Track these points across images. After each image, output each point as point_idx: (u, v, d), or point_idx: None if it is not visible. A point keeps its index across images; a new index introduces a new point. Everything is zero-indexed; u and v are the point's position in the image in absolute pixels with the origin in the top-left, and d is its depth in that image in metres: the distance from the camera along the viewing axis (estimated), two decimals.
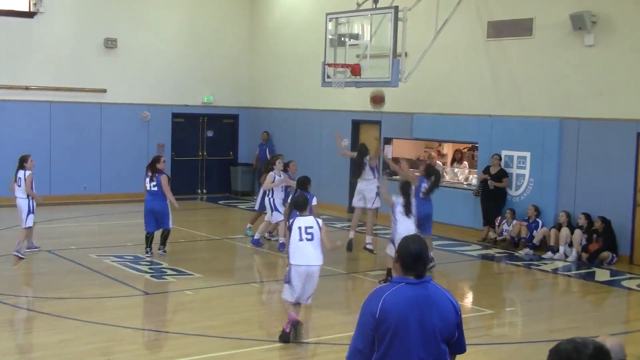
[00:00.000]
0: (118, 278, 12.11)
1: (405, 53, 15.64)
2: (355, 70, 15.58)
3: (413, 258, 4.45)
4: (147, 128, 21.71)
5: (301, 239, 9.05)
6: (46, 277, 12.27)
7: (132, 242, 14.68)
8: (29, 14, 19.95)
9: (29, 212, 13.25)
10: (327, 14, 16.64)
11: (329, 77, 16.29)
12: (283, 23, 22.17)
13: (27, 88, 19.93)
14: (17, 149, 19.30)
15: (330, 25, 16.51)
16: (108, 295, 11.13)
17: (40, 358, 8.69)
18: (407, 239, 4.58)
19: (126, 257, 13.61)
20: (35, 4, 19.90)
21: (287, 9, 22.05)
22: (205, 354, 8.76)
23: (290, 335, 9.07)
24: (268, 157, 22.02)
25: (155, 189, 13.50)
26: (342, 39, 16.41)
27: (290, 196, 11.63)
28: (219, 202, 21.59)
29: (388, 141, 18.94)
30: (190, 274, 12.60)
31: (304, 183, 11.81)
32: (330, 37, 16.52)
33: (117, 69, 21.12)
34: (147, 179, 13.62)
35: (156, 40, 21.75)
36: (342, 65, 15.87)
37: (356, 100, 19.17)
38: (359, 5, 16.49)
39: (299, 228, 9.07)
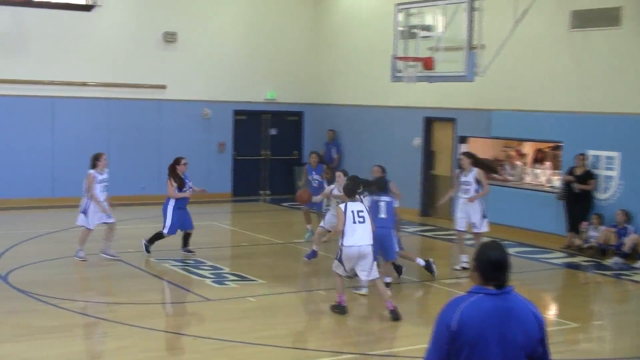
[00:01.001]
0: (178, 283, 12.25)
1: (482, 45, 15.44)
2: (428, 64, 15.47)
3: (493, 266, 4.36)
4: (208, 126, 21.94)
5: (354, 222, 10.27)
6: (103, 281, 12.47)
7: (193, 245, 14.81)
8: (86, 8, 20.35)
9: (80, 211, 13.54)
10: (397, 5, 16.57)
11: (399, 71, 16.21)
12: (350, 14, 22.15)
13: (84, 84, 20.34)
14: (74, 147, 19.79)
15: (400, 17, 16.43)
16: (167, 301, 11.25)
17: None
18: (485, 246, 4.50)
19: (186, 261, 13.76)
20: None
21: (354, 0, 22.05)
22: None
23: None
24: (334, 156, 22.09)
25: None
26: (413, 30, 16.31)
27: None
28: (283, 204, 21.68)
29: (463, 140, 18.75)
30: (252, 280, 12.66)
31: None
32: (400, 29, 16.44)
33: (177, 64, 21.40)
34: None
35: (217, 34, 21.97)
36: (414, 59, 15.78)
37: (428, 96, 19.05)
38: None
39: (352, 212, 10.30)
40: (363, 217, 10.38)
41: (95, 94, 20.49)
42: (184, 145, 21.37)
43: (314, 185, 15.86)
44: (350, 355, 9.05)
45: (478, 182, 13.52)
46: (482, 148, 18.87)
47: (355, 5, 21.98)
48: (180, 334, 9.73)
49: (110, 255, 13.55)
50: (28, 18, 19.69)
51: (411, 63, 15.83)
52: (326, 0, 23.02)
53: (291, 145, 23.45)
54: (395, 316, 10.33)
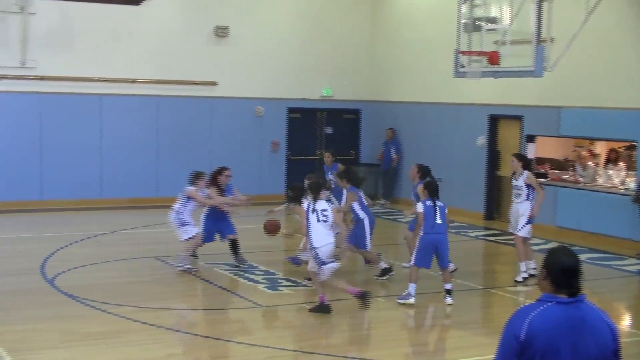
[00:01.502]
0: (229, 288, 12.34)
1: (551, 38, 15.27)
2: (493, 58, 15.34)
3: (565, 273, 4.31)
4: (261, 124, 22.06)
5: (318, 221, 10.76)
6: (152, 285, 12.61)
7: (245, 249, 14.90)
8: (135, 2, 20.59)
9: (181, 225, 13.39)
10: None
11: (462, 66, 16.12)
12: (411, 6, 22.08)
13: (133, 81, 20.61)
14: (123, 146, 20.07)
15: (464, 8, 16.32)
16: (218, 307, 11.34)
17: None
18: (555, 251, 4.44)
19: (239, 265, 13.82)
20: None
21: None
22: None
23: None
24: (393, 156, 22.03)
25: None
26: (478, 23, 16.19)
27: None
28: None
29: (531, 139, 18.55)
30: (307, 286, 12.68)
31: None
32: (464, 21, 16.33)
33: (229, 60, 21.56)
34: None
35: (270, 28, 22.08)
36: (478, 53, 15.67)
37: (494, 93, 18.90)
38: None
39: (316, 211, 10.79)
40: (326, 216, 10.81)
41: (144, 91, 20.75)
42: (235, 145, 21.58)
43: (332, 186, 15.81)
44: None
45: (528, 186, 13.16)
46: (550, 147, 18.69)
47: None
48: (232, 341, 9.79)
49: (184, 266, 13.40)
50: (76, 13, 20.02)
51: (475, 57, 15.72)
52: None
53: (348, 144, 23.44)
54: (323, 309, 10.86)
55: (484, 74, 15.70)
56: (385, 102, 22.98)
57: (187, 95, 21.19)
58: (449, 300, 11.57)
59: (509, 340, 4.31)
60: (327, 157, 16.15)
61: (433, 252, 11.51)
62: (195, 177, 13.49)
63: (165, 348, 9.69)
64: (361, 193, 13.33)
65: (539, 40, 14.82)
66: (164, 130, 20.93)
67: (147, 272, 13.49)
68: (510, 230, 13.66)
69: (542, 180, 18.19)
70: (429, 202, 11.72)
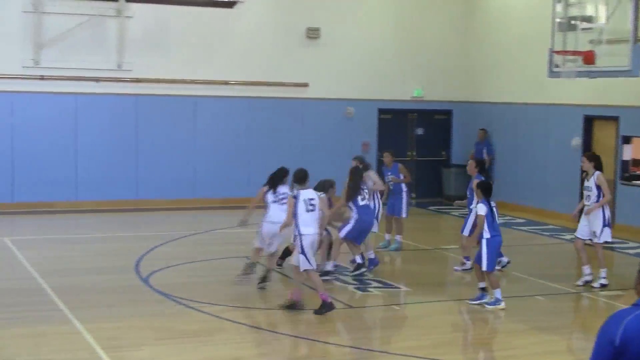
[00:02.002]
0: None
1: None
2: (589, 58, 15.06)
3: None
4: (352, 125, 22.07)
5: (307, 210, 10.91)
6: (242, 285, 12.72)
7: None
8: (229, 4, 20.86)
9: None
10: None
11: (557, 66, 15.87)
12: (503, 6, 21.80)
13: (225, 83, 20.87)
14: (215, 147, 20.32)
15: (559, 7, 16.08)
16: (307, 307, 11.37)
17: None
18: None
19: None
20: None
21: None
22: None
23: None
24: (485, 157, 21.77)
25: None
26: (573, 22, 15.92)
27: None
28: (430, 207, 21.54)
29: (627, 140, 18.09)
30: (397, 287, 12.64)
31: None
32: (558, 20, 16.08)
33: (320, 61, 21.64)
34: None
35: (361, 29, 22.08)
36: (573, 53, 15.40)
37: (589, 93, 18.50)
38: None
39: (304, 200, 10.94)
40: (314, 205, 10.97)
41: (236, 93, 20.98)
42: (326, 145, 21.64)
43: (390, 187, 15.68)
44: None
45: (598, 187, 12.62)
46: None
47: None
48: (322, 342, 9.81)
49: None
50: (171, 17, 20.40)
51: (570, 57, 15.46)
52: None
53: (439, 145, 23.27)
54: (327, 308, 10.69)
55: (579, 74, 15.43)
56: (477, 103, 22.73)
57: (278, 96, 21.35)
58: (502, 305, 11.27)
59: (604, 346, 4.19)
60: (387, 157, 15.98)
61: (495, 253, 11.39)
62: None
63: (256, 347, 9.79)
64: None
65: (636, 39, 14.47)
66: (256, 132, 21.12)
67: (236, 272, 13.61)
68: (579, 236, 12.91)
69: (639, 182, 17.76)
70: (490, 203, 11.53)
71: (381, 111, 22.53)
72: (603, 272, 12.66)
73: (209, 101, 20.74)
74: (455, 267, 13.91)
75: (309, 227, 10.88)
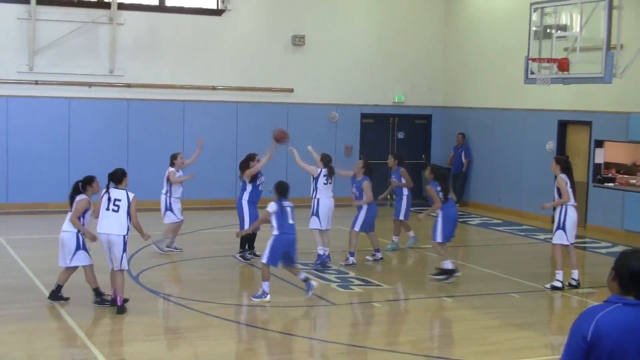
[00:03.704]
0: (303, 286, 12.36)
1: (621, 45, 14.99)
2: (563, 65, 15.13)
3: (634, 277, 4.21)
4: (335, 129, 22.10)
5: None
6: (231, 283, 12.73)
7: (324, 246, 14.94)
8: (217, 12, 20.89)
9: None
10: (532, 4, 16.27)
11: (532, 73, 15.93)
12: (481, 14, 21.88)
13: (214, 88, 20.86)
14: (206, 149, 20.27)
15: (534, 16, 16.14)
16: (293, 304, 11.39)
17: None
18: (626, 255, 4.34)
19: (311, 264, 13.86)
20: (223, 2, 20.81)
21: None
22: None
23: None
24: (463, 161, 21.85)
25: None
26: (548, 30, 15.99)
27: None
28: (411, 208, 21.54)
29: (599, 144, 18.20)
30: (378, 285, 12.67)
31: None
32: (534, 29, 16.15)
33: (305, 67, 21.68)
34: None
35: (345, 36, 22.12)
36: (548, 60, 15.46)
37: (563, 99, 18.62)
38: None
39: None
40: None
41: (224, 97, 20.99)
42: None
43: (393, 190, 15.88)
44: None
45: (558, 190, 12.51)
46: (619, 152, 18.29)
47: (488, 5, 21.68)
48: (307, 337, 9.82)
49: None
50: (161, 24, 20.38)
51: (546, 64, 15.51)
52: (458, 0, 22.79)
53: (419, 149, 23.32)
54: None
55: (554, 81, 15.48)
56: (455, 108, 22.80)
57: (265, 101, 21.36)
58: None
59: (576, 341, 4.23)
60: (390, 161, 16.10)
61: None
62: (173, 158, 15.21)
63: (243, 343, 9.79)
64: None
65: (609, 48, 14.55)
66: (243, 135, 21.10)
67: (226, 270, 13.62)
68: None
69: (610, 184, 17.86)
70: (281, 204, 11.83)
71: (364, 115, 22.57)
72: (559, 275, 12.49)
73: (197, 106, 20.72)
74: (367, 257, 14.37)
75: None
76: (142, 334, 9.83)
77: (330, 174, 14.02)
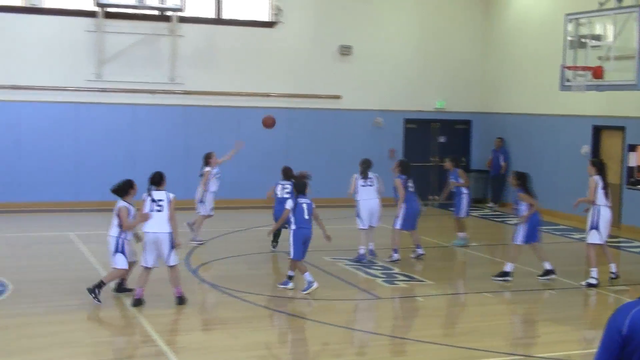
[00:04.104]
0: (351, 281, 12.40)
1: None
2: (597, 73, 14.94)
3: None
4: (380, 133, 22.08)
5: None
6: (283, 277, 12.78)
7: (365, 246, 14.94)
8: (270, 24, 20.99)
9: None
10: (567, 15, 16.09)
11: (568, 80, 15.76)
12: (519, 24, 21.68)
13: (267, 95, 20.97)
14: (258, 154, 20.40)
15: (569, 27, 15.96)
16: (341, 298, 11.40)
17: (277, 355, 9.09)
18: None
19: (359, 261, 13.85)
20: (275, 15, 20.92)
21: (523, 10, 21.55)
22: None
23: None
24: (502, 163, 21.67)
25: (287, 196, 13.68)
26: (583, 40, 15.80)
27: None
28: (451, 208, 21.40)
29: (633, 148, 17.91)
30: (421, 281, 12.63)
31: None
32: (569, 38, 15.97)
33: (352, 75, 21.69)
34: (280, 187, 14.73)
35: (389, 47, 22.09)
36: (583, 68, 15.28)
37: (597, 105, 18.37)
38: (601, 4, 15.77)
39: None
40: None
41: (277, 104, 21.07)
42: (356, 151, 21.61)
43: (452, 190, 15.75)
44: (516, 357, 8.85)
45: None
46: None
47: (525, 15, 21.48)
48: (353, 329, 9.84)
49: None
50: (218, 36, 20.55)
51: (580, 72, 15.34)
52: (495, 10, 22.64)
53: (459, 152, 23.14)
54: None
55: (589, 88, 15.30)
56: (494, 114, 22.62)
57: (314, 107, 21.42)
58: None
59: (612, 335, 4.17)
60: (447, 163, 16.01)
61: None
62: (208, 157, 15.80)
63: (294, 333, 9.84)
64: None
65: None
66: (294, 139, 21.20)
67: (277, 265, 13.69)
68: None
69: None
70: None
71: (407, 121, 22.50)
72: (593, 272, 12.31)
73: (251, 111, 20.82)
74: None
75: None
76: (201, 324, 9.93)
77: (365, 176, 14.18)
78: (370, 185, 14.11)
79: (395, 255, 13.92)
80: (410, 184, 14.12)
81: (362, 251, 13.90)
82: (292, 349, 9.33)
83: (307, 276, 11.39)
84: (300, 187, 11.86)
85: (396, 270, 13.30)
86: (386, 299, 11.58)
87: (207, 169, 15.51)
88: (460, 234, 15.69)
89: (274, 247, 14.71)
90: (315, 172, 21.20)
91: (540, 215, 12.98)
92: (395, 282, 12.53)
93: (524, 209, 12.62)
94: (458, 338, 9.64)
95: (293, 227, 11.46)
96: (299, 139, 21.28)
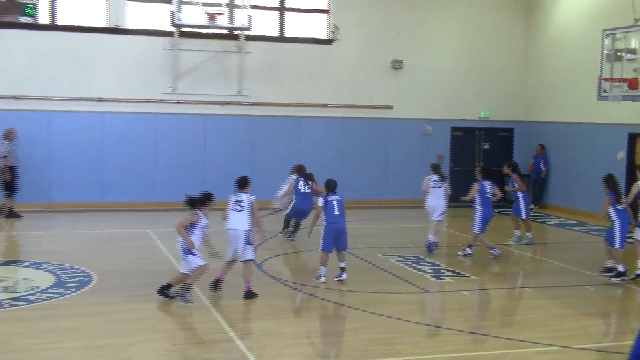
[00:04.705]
0: (401, 276, 12.33)
1: None
2: (633, 84, 14.63)
3: None
4: (428, 141, 21.93)
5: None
6: (336, 271, 12.75)
7: (413, 244, 14.87)
8: (328, 41, 21.03)
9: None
10: (604, 30, 15.78)
11: (605, 91, 15.45)
12: (559, 38, 21.32)
13: (325, 106, 21.00)
14: (318, 158, 20.43)
15: (607, 41, 15.65)
16: (391, 291, 11.35)
17: (332, 343, 9.08)
18: None
19: (408, 257, 13.81)
20: (333, 32, 20.96)
21: (563, 25, 21.18)
22: (479, 352, 8.64)
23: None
24: (542, 169, 21.34)
25: (309, 190, 14.97)
26: (619, 53, 15.48)
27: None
28: (494, 210, 21.15)
29: None
30: (466, 276, 12.49)
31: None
32: (606, 52, 15.66)
33: (402, 87, 21.60)
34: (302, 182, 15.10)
35: (437, 60, 21.94)
36: (619, 80, 14.96)
37: (633, 114, 17.96)
38: (636, 20, 15.42)
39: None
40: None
41: (333, 113, 21.10)
42: (407, 157, 21.59)
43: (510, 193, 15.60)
44: (555, 348, 8.69)
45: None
46: None
47: (564, 31, 21.11)
48: (403, 320, 9.77)
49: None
50: (281, 52, 20.66)
51: (617, 83, 15.02)
52: (536, 26, 22.29)
53: (502, 158, 22.81)
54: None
55: (624, 98, 14.99)
56: (535, 122, 22.28)
57: (368, 117, 21.38)
58: None
59: None
60: (506, 169, 15.99)
61: None
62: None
63: (348, 323, 9.82)
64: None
65: None
66: (349, 146, 21.21)
67: (332, 260, 13.67)
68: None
69: None
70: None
71: (453, 129, 22.30)
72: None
73: (310, 121, 20.90)
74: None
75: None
76: (265, 313, 9.97)
77: (442, 179, 14.63)
78: (440, 187, 14.42)
79: (495, 251, 13.89)
80: (488, 189, 14.12)
81: (430, 239, 14.22)
82: (347, 337, 9.31)
83: (322, 270, 11.57)
84: (331, 185, 11.93)
85: (443, 266, 13.18)
86: (433, 292, 11.48)
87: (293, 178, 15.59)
88: (528, 234, 15.52)
89: (289, 236, 15.18)
90: (369, 176, 21.28)
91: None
92: (443, 277, 12.41)
93: (616, 213, 12.40)
94: (500, 330, 9.50)
95: (324, 222, 11.62)
96: (354, 145, 21.26)
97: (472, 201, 14.17)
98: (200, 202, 10.44)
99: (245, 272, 10.72)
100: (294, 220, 15.48)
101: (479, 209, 14.01)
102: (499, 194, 14.42)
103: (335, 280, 11.63)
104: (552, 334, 9.28)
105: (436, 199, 14.40)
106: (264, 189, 20.19)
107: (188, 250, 10.16)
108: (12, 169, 17.65)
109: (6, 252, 14.47)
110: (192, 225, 10.25)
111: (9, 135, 17.70)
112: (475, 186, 14.09)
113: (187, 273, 10.22)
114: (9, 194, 17.70)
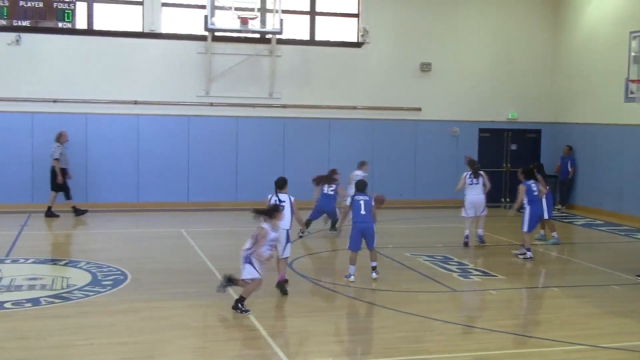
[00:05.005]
0: (429, 275, 12.27)
1: None
2: None
3: None
4: (456, 142, 21.80)
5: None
6: (368, 270, 12.75)
7: (442, 244, 14.79)
8: (358, 45, 21.01)
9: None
10: (631, 33, 15.54)
11: (632, 92, 15.20)
12: (586, 41, 21.07)
13: (354, 108, 20.97)
14: (348, 158, 20.39)
15: (633, 43, 15.39)
16: (420, 290, 11.31)
17: (362, 340, 9.07)
18: None
19: (436, 257, 13.74)
20: (362, 36, 20.93)
21: (590, 27, 20.93)
22: (505, 350, 8.56)
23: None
24: (569, 170, 21.12)
25: (332, 192, 15.54)
26: None
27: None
28: (521, 210, 20.95)
29: None
30: (494, 275, 12.40)
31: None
32: (633, 54, 15.41)
33: (431, 89, 21.50)
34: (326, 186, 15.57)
35: (465, 63, 21.80)
36: None
37: None
38: None
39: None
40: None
41: (363, 115, 21.06)
42: (435, 157, 21.48)
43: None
44: (583, 346, 8.59)
45: None
46: None
47: (591, 33, 20.86)
48: (431, 318, 9.73)
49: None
50: (311, 55, 20.68)
51: None
52: (564, 28, 22.06)
53: (529, 159, 22.62)
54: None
55: None
56: (562, 123, 22.04)
57: (397, 118, 21.31)
58: None
59: None
60: (519, 174, 15.82)
61: None
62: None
63: (378, 321, 9.79)
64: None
65: None
66: (379, 147, 21.16)
67: (362, 260, 13.63)
68: None
69: None
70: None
71: (481, 130, 22.14)
72: None
73: (340, 122, 20.89)
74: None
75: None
76: (295, 311, 9.98)
77: (476, 175, 14.83)
78: (477, 184, 14.67)
79: (528, 253, 13.72)
80: (534, 188, 14.04)
81: (466, 232, 14.73)
82: (376, 335, 9.28)
83: (352, 269, 11.62)
84: (360, 185, 11.98)
85: (471, 266, 13.09)
86: (461, 291, 11.41)
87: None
88: (554, 234, 15.36)
89: (303, 233, 15.23)
90: (398, 177, 21.20)
91: None
92: (470, 276, 12.33)
93: None
94: (527, 328, 9.42)
95: (352, 222, 11.73)
96: (383, 146, 21.20)
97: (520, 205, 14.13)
98: (267, 213, 9.96)
99: (281, 266, 10.90)
100: (324, 217, 15.97)
101: (527, 208, 13.90)
102: (545, 190, 14.52)
103: (345, 279, 11.47)
104: (579, 333, 9.17)
105: (476, 194, 14.73)
106: (294, 189, 20.29)
107: (248, 259, 9.80)
108: (63, 171, 17.93)
109: (44, 250, 14.66)
110: (262, 238, 9.77)
111: (61, 138, 18.00)
112: (523, 188, 13.96)
113: (247, 281, 9.88)
114: (66, 194, 18.01)
